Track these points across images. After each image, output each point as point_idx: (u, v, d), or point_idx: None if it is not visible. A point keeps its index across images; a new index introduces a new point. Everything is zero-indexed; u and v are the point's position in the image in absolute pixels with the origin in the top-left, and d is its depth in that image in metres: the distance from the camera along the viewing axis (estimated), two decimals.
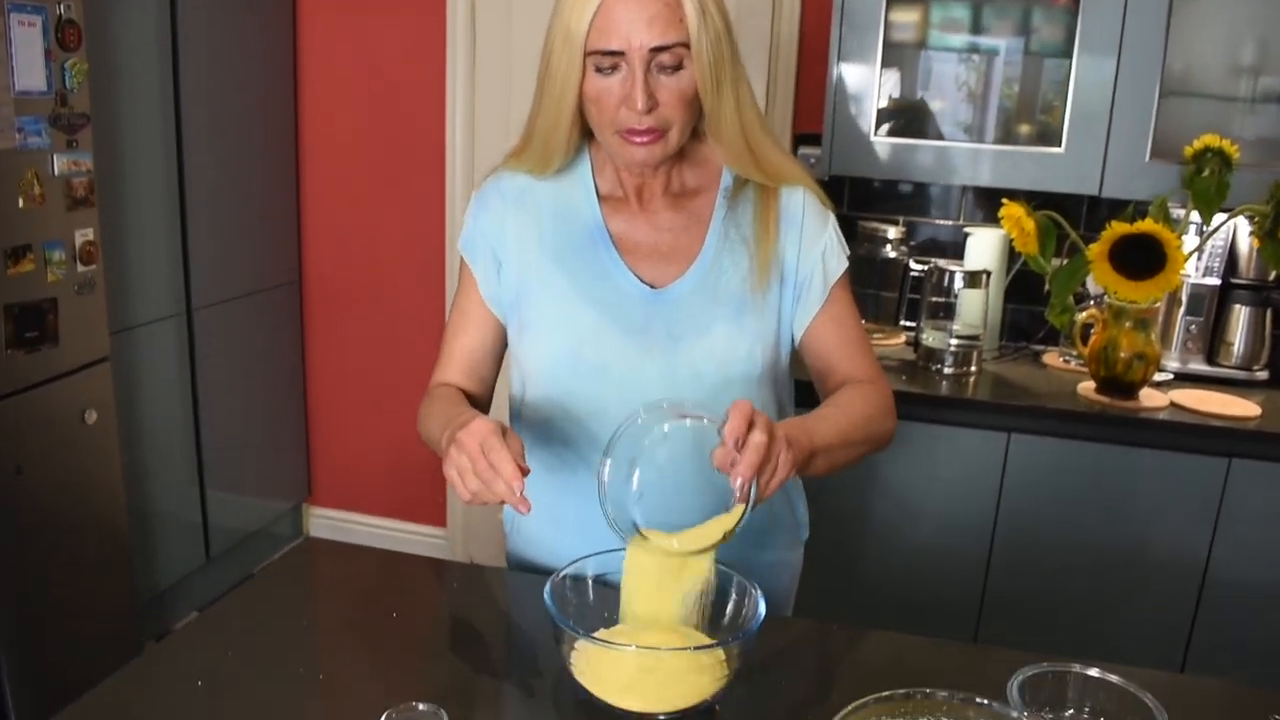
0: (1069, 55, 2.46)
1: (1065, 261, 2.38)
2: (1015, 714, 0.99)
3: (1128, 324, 2.33)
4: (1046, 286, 2.40)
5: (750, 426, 1.11)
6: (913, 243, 2.92)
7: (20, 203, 2.26)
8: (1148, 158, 2.44)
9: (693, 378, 1.36)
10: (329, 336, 3.64)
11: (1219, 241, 2.59)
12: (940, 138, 2.68)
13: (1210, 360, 2.63)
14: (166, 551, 3.07)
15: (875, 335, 2.79)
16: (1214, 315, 2.62)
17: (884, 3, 2.53)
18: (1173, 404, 2.38)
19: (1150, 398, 2.39)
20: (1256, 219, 2.28)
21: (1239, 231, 2.59)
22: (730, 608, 1.21)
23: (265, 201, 3.38)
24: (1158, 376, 2.50)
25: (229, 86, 3.13)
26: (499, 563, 1.60)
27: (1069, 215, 2.36)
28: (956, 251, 2.83)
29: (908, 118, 2.70)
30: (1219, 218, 2.32)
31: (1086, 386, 2.46)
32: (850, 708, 0.98)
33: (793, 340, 1.45)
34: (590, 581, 1.25)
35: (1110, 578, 2.38)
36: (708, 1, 1.26)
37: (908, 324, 2.82)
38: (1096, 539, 2.36)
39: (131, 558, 2.75)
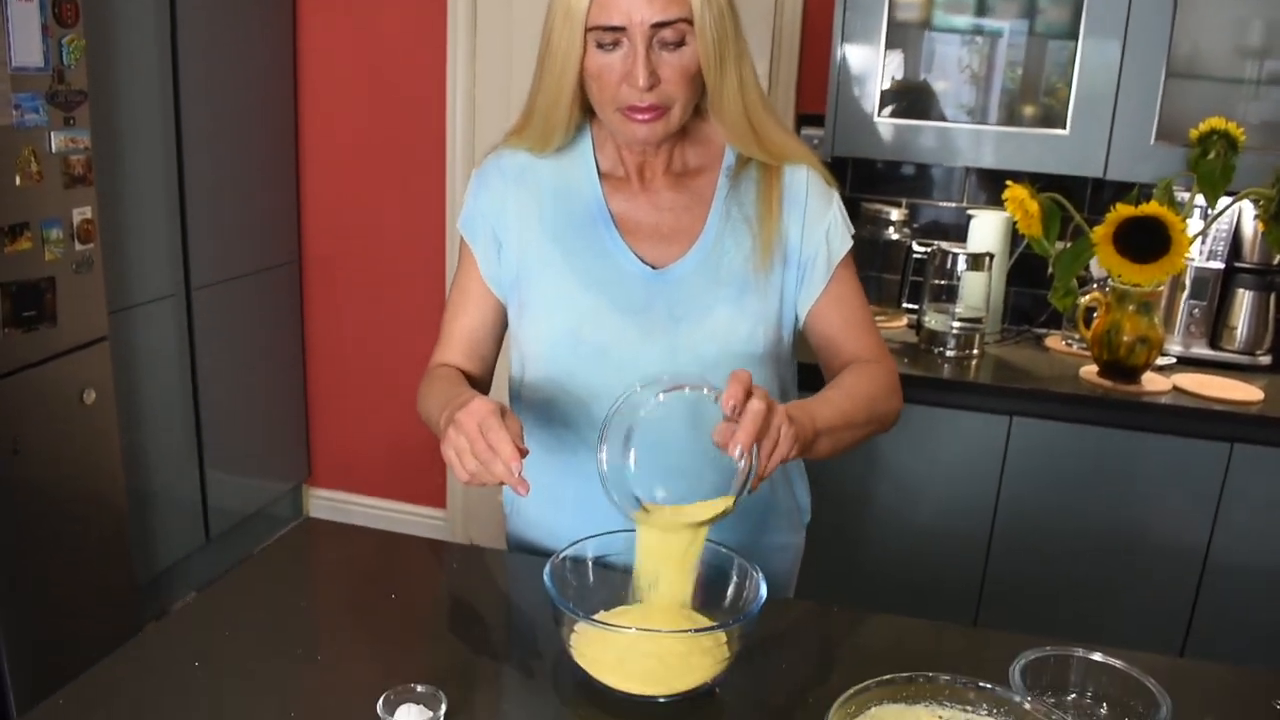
0: (1074, 37, 2.45)
1: (1069, 244, 2.37)
2: (1017, 698, 0.99)
3: (1131, 307, 2.32)
4: (1050, 269, 2.39)
5: (748, 396, 1.10)
6: (915, 225, 2.90)
7: (17, 180, 2.24)
8: (1153, 140, 2.43)
9: (694, 359, 1.34)
10: (329, 316, 3.63)
11: (1223, 225, 2.58)
12: (944, 119, 2.66)
13: (1213, 344, 2.62)
14: (166, 532, 3.07)
15: (877, 318, 2.76)
16: (1217, 299, 2.60)
17: None
18: (1175, 388, 2.37)
19: (1153, 382, 2.38)
20: (1261, 202, 2.27)
21: (1244, 215, 2.57)
22: (731, 590, 1.20)
23: (265, 181, 3.36)
24: (1160, 360, 2.49)
25: (228, 65, 3.11)
26: (499, 544, 1.60)
27: (1073, 198, 2.35)
28: (959, 234, 2.82)
29: (911, 99, 2.68)
30: (1224, 201, 2.30)
31: (1089, 370, 2.45)
32: (851, 691, 0.97)
33: (796, 321, 1.43)
34: (590, 563, 1.24)
35: (1111, 562, 2.37)
36: None
37: (910, 306, 2.81)
38: (1098, 523, 2.36)
39: (131, 538, 2.75)
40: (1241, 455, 2.26)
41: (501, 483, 1.13)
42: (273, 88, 3.34)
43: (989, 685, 1.00)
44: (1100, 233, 2.22)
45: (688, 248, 1.38)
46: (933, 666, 1.05)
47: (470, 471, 1.14)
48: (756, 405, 1.09)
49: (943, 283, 2.58)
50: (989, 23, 2.62)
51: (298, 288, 3.60)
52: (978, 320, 2.55)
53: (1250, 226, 2.56)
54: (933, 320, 2.57)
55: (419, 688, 1.05)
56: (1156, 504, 2.33)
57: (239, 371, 3.33)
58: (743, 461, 1.11)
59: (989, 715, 1.00)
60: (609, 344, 1.36)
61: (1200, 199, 2.31)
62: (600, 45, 1.25)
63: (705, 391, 1.13)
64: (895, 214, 2.82)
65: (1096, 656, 1.11)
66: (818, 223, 1.40)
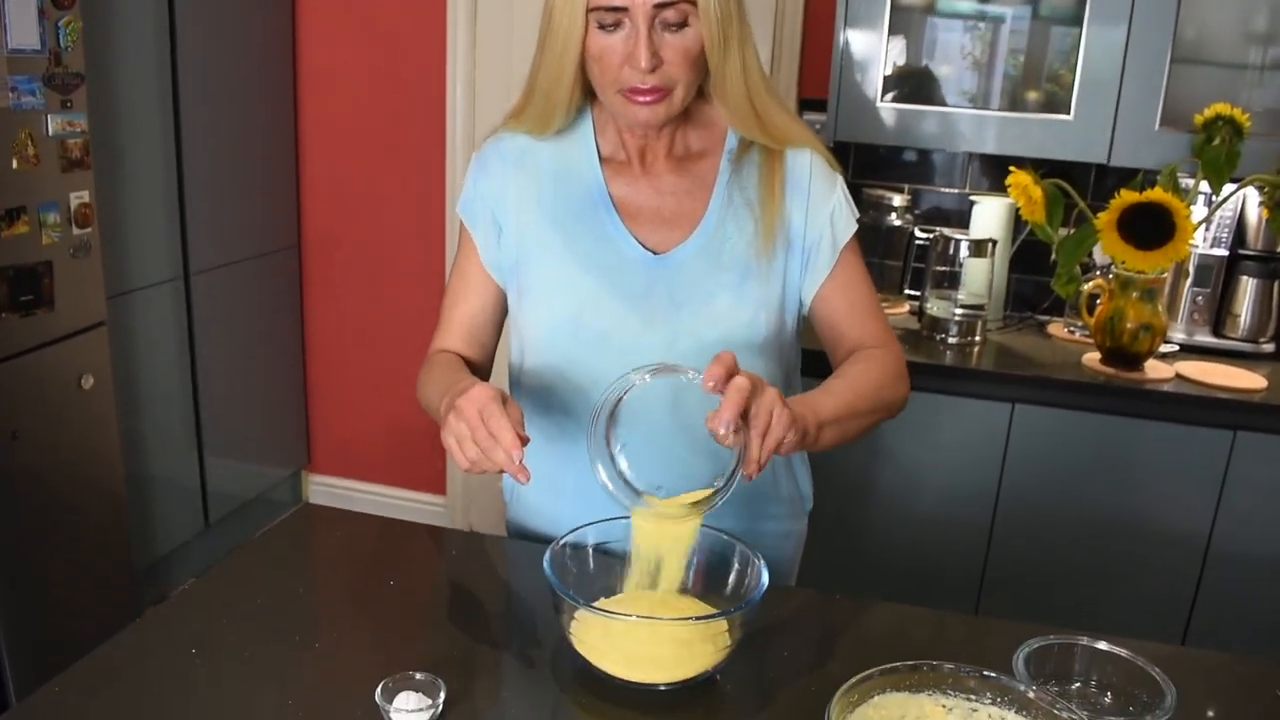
0: (1078, 23, 2.43)
1: (1072, 231, 2.35)
2: (1021, 687, 0.98)
3: (1134, 294, 2.31)
4: (1053, 256, 2.37)
5: (731, 376, 1.08)
6: (917, 211, 2.89)
7: (14, 164, 2.23)
8: (1157, 126, 2.41)
9: (695, 345, 1.33)
10: (328, 301, 3.62)
11: (1227, 212, 2.56)
12: (946, 105, 2.64)
13: (1216, 332, 2.61)
14: (165, 518, 3.06)
15: None
16: (1221, 286, 2.59)
17: None
18: (1178, 376, 2.36)
19: (1155, 369, 2.37)
20: (1266, 189, 2.26)
21: (1248, 202, 2.56)
22: (733, 577, 1.19)
23: (264, 164, 3.35)
24: (1163, 348, 2.48)
25: (227, 47, 3.09)
26: (499, 531, 1.59)
27: (1076, 184, 2.33)
28: (962, 220, 2.81)
29: (913, 84, 2.66)
30: (1228, 188, 2.29)
31: (1091, 357, 2.44)
32: (854, 680, 0.96)
33: (800, 307, 1.42)
34: (590, 550, 1.23)
35: (1113, 549, 2.37)
36: None
37: (912, 293, 2.80)
38: (1100, 511, 2.35)
39: (130, 524, 2.74)
40: (1244, 443, 2.25)
41: (502, 471, 1.12)
42: (272, 71, 3.33)
43: (993, 674, 0.99)
44: (1104, 219, 2.21)
45: (689, 232, 1.37)
46: (935, 655, 1.04)
47: (470, 459, 1.13)
48: (740, 381, 1.08)
49: (945, 269, 2.57)
50: (992, 8, 2.60)
51: (297, 273, 3.59)
52: (980, 307, 2.54)
53: (1254, 213, 2.55)
54: (935, 307, 2.56)
55: (418, 675, 1.04)
56: (1159, 492, 2.32)
57: (238, 357, 3.32)
58: (731, 440, 1.09)
59: (993, 704, 0.99)
60: (609, 330, 1.35)
61: (1204, 185, 2.30)
62: (602, 26, 1.24)
63: (690, 375, 1.12)
64: (897, 200, 2.81)
65: (1101, 645, 1.10)
66: (821, 207, 1.39)
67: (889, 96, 2.60)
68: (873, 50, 2.55)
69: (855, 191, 1.63)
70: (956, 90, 2.66)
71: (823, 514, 1.61)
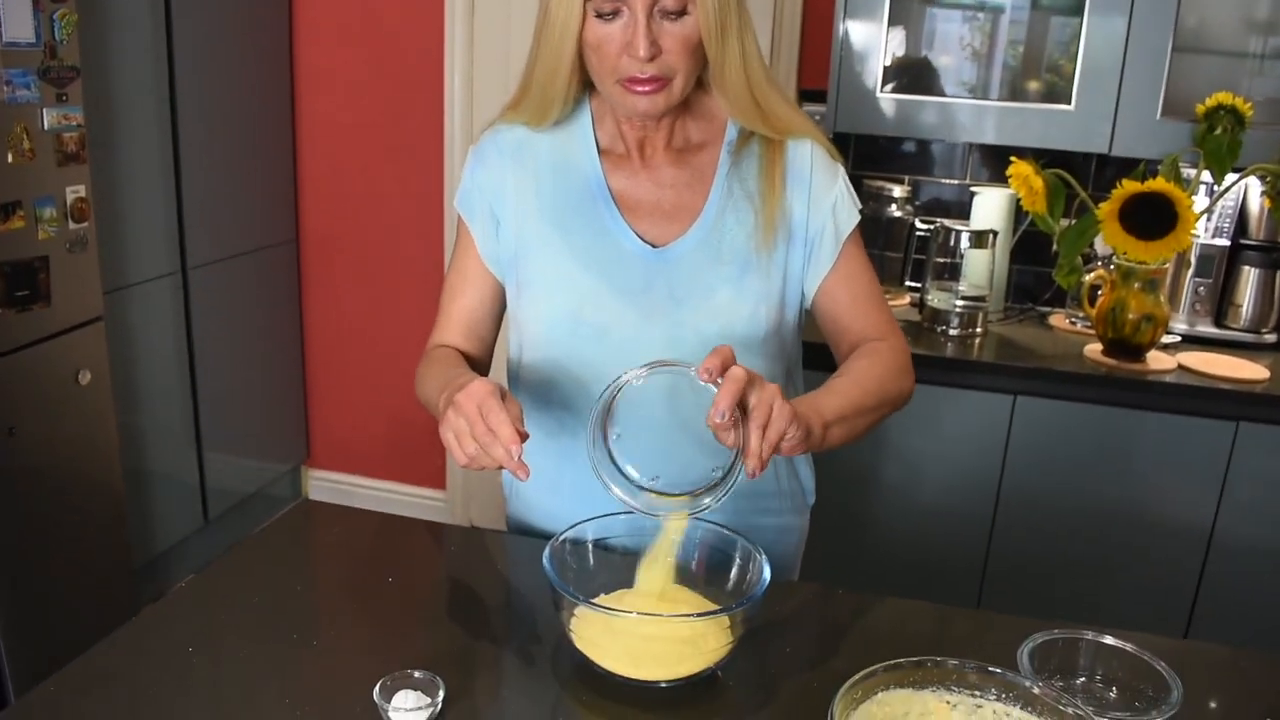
0: (1078, 12, 2.41)
1: (1073, 221, 2.34)
2: (1027, 683, 0.97)
3: (1136, 285, 2.30)
4: (1054, 246, 2.36)
5: (728, 367, 1.08)
6: (918, 202, 2.88)
7: (9, 158, 2.21)
8: (1158, 115, 2.40)
9: (696, 340, 1.32)
10: (327, 296, 3.61)
11: (1229, 201, 2.55)
12: (947, 95, 2.63)
13: (1218, 323, 2.60)
14: (163, 514, 3.05)
15: None
16: (1223, 277, 2.58)
17: None
18: (1180, 367, 2.35)
19: (1157, 360, 2.36)
20: (1268, 179, 2.24)
21: (1250, 192, 2.54)
22: (734, 573, 1.19)
23: (262, 158, 3.33)
24: (1165, 339, 2.46)
25: (224, 39, 3.07)
26: (499, 525, 1.58)
27: (1076, 174, 2.32)
28: (962, 211, 2.79)
29: (913, 75, 2.65)
30: (1230, 177, 2.28)
31: (1093, 348, 2.43)
32: (858, 676, 0.95)
33: (801, 300, 1.41)
34: (590, 546, 1.22)
35: (1115, 542, 2.36)
36: None
37: (912, 285, 2.78)
38: (1102, 503, 2.34)
39: (128, 521, 2.73)
40: (1247, 434, 2.24)
41: (501, 467, 1.11)
42: (269, 64, 3.31)
43: (997, 669, 0.98)
44: (1106, 209, 2.20)
45: (688, 225, 1.36)
46: (938, 649, 1.03)
47: (469, 455, 1.12)
48: (736, 370, 1.08)
49: (946, 260, 2.56)
50: None
51: (296, 267, 3.58)
52: (981, 298, 2.53)
53: (1256, 203, 2.54)
54: (936, 298, 2.54)
55: (416, 674, 1.03)
56: (1161, 483, 2.31)
57: (237, 351, 3.31)
58: (732, 439, 1.09)
59: (997, 700, 0.98)
60: (609, 325, 1.34)
61: (1206, 175, 2.28)
62: (600, 15, 1.22)
63: (691, 371, 1.11)
64: (898, 191, 2.79)
65: (1106, 640, 1.09)
66: (823, 198, 1.37)
67: (889, 87, 2.58)
68: (872, 41, 2.54)
69: (855, 183, 1.62)
70: (956, 81, 2.65)
71: (825, 508, 1.60)
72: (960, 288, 2.52)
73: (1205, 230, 2.56)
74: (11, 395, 2.30)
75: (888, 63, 2.56)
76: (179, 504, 3.14)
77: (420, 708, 0.99)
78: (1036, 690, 0.96)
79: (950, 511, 2.44)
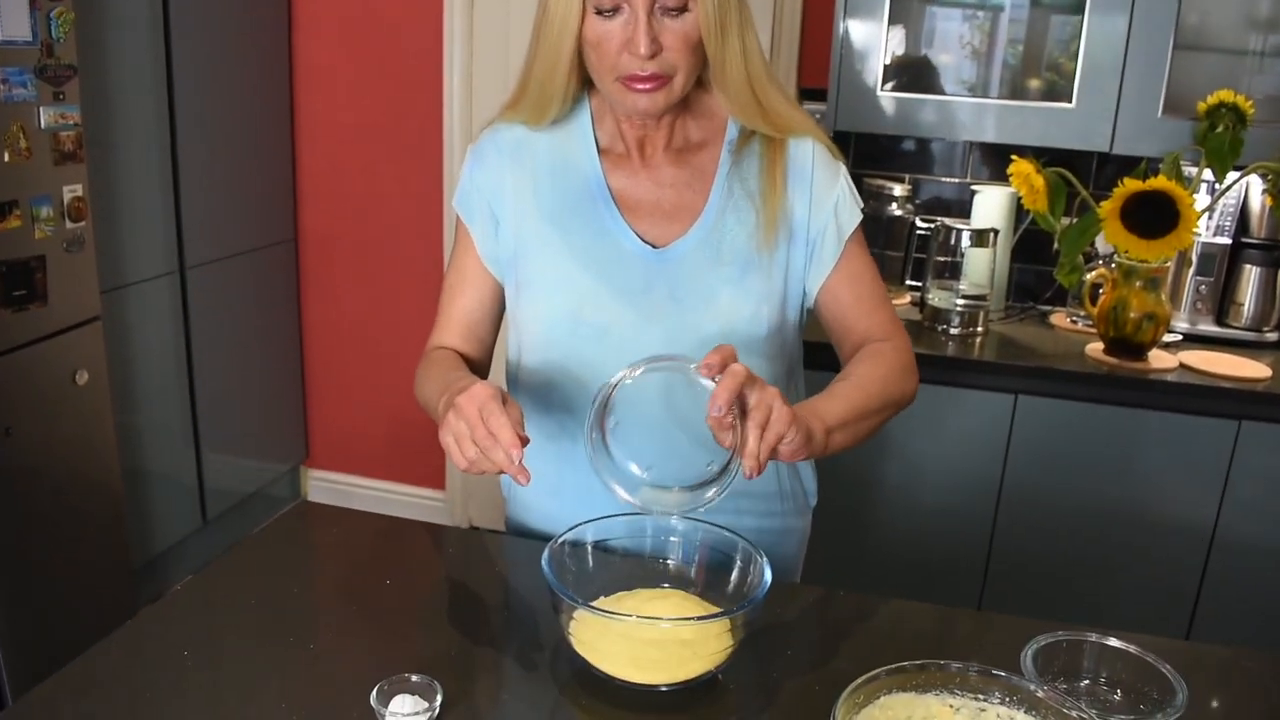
0: (1079, 10, 2.40)
1: (1074, 220, 2.33)
2: (1031, 686, 0.96)
3: (1138, 284, 2.29)
4: (1055, 245, 2.35)
5: (728, 364, 1.09)
6: (918, 201, 2.87)
7: (6, 157, 2.20)
8: (1160, 113, 2.39)
9: (696, 341, 1.30)
10: (326, 295, 3.60)
11: (1230, 200, 2.54)
12: (947, 93, 2.62)
13: (1220, 321, 2.59)
14: (162, 515, 3.04)
15: None
16: (1224, 275, 2.57)
17: None
18: (1182, 365, 2.34)
19: (1159, 359, 2.35)
20: (1270, 177, 2.23)
21: (1251, 190, 2.54)
22: (735, 576, 1.18)
23: (260, 157, 3.32)
24: (1166, 337, 2.46)
25: (222, 38, 3.06)
26: (499, 525, 1.57)
27: (1078, 172, 2.31)
28: (963, 210, 2.78)
29: (913, 73, 2.64)
30: (1231, 175, 2.27)
31: (1094, 347, 2.42)
32: (861, 680, 0.95)
33: (803, 300, 1.40)
34: (590, 548, 1.21)
35: (1117, 541, 2.35)
36: None
37: (913, 284, 2.77)
38: (1103, 502, 2.34)
39: (127, 521, 2.72)
40: (1249, 433, 2.24)
41: (501, 471, 1.10)
42: (268, 62, 3.30)
43: (1001, 673, 0.97)
44: (1107, 208, 2.19)
45: (689, 226, 1.35)
46: (941, 652, 1.03)
47: (469, 459, 1.11)
48: (736, 366, 1.08)
49: (946, 259, 2.55)
50: None
51: (294, 266, 3.57)
52: (982, 297, 2.52)
53: (1258, 201, 2.53)
54: (936, 297, 2.53)
55: (413, 678, 1.02)
56: (1163, 482, 2.31)
57: (235, 351, 3.30)
58: (729, 440, 1.08)
59: (1001, 704, 0.97)
60: (609, 326, 1.33)
61: (1207, 173, 2.28)
62: (600, 12, 1.21)
63: (690, 367, 1.10)
64: (898, 190, 2.79)
65: (1110, 641, 1.08)
66: (825, 197, 1.36)
67: (889, 85, 2.57)
68: (872, 39, 2.53)
69: (856, 181, 1.61)
70: (956, 79, 2.64)
71: (827, 509, 1.59)
72: (961, 287, 2.51)
73: (1207, 228, 2.55)
74: (8, 395, 2.29)
75: (888, 61, 2.56)
76: (177, 504, 3.13)
77: (417, 713, 0.98)
78: (1041, 693, 0.96)
79: (952, 511, 2.43)
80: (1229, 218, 2.55)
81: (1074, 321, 2.65)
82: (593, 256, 1.34)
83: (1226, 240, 2.55)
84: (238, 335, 3.30)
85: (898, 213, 2.78)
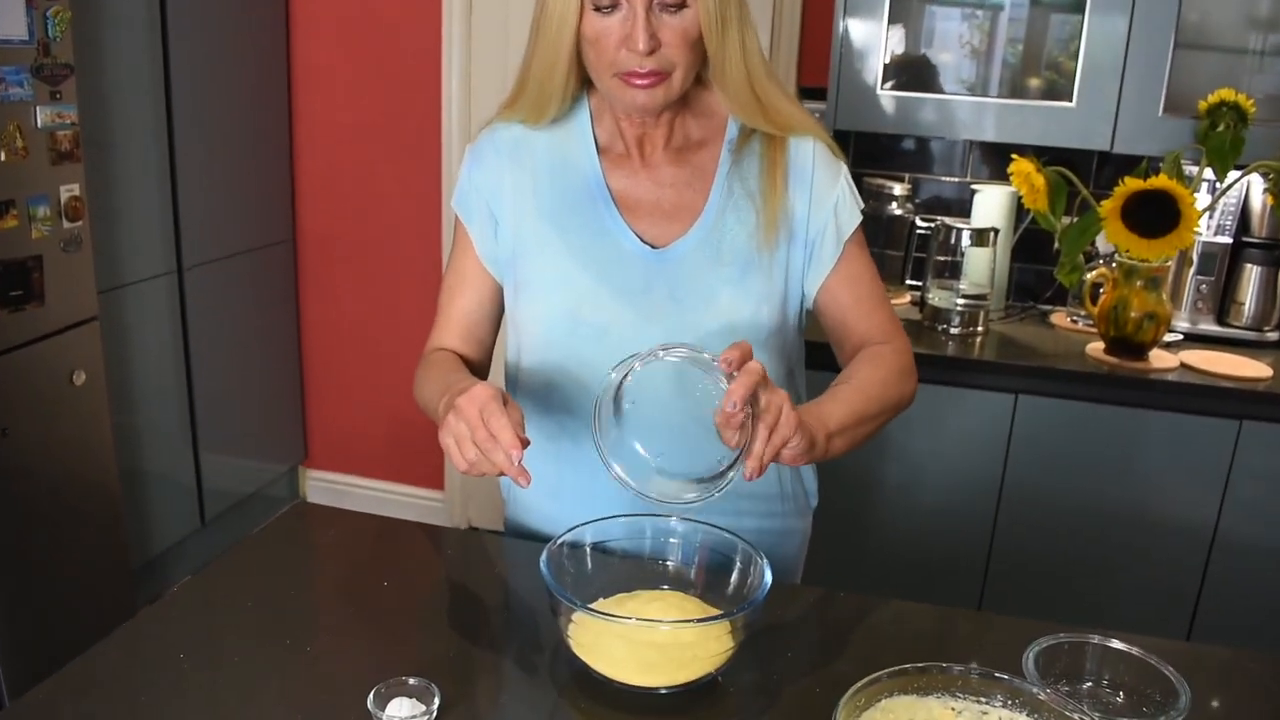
0: (1079, 9, 2.40)
1: (1075, 219, 2.33)
2: (1033, 689, 0.96)
3: (1138, 283, 2.29)
4: (1056, 244, 2.35)
5: (746, 360, 1.08)
6: (918, 200, 2.86)
7: (2, 156, 2.20)
8: (1160, 112, 2.39)
9: (697, 341, 1.29)
10: (324, 295, 3.59)
11: (1231, 199, 2.54)
12: (947, 92, 2.61)
13: (1220, 320, 2.58)
14: (160, 515, 3.03)
15: None
16: (1225, 274, 2.57)
17: None
18: (1182, 365, 2.34)
19: (1159, 358, 2.35)
20: (1271, 176, 2.23)
21: (1252, 189, 2.53)
22: (735, 577, 1.17)
23: (258, 157, 3.31)
24: (1167, 337, 2.45)
25: (220, 38, 3.05)
26: (498, 525, 1.57)
27: (1078, 171, 2.31)
28: (963, 209, 2.78)
29: (913, 72, 2.63)
30: (1232, 174, 2.26)
31: (1095, 347, 2.42)
32: (862, 682, 0.94)
33: (803, 300, 1.39)
34: (589, 549, 1.21)
35: (1118, 541, 2.35)
36: None
37: (913, 283, 2.77)
38: (1104, 502, 2.33)
39: (125, 522, 2.71)
40: (1249, 432, 2.23)
41: (501, 473, 1.09)
42: (266, 62, 3.29)
43: (1003, 675, 0.97)
44: (1107, 207, 2.18)
45: (689, 225, 1.34)
46: (943, 654, 1.02)
47: (469, 460, 1.10)
48: (755, 365, 1.07)
49: (946, 259, 2.55)
50: None
51: (292, 266, 3.56)
52: (982, 297, 2.51)
53: (1259, 200, 2.52)
54: (936, 297, 2.53)
55: (411, 680, 1.01)
56: (1163, 482, 2.30)
57: (233, 352, 3.29)
58: (736, 440, 1.07)
59: (1003, 707, 0.97)
60: (608, 326, 1.32)
61: (1208, 172, 2.27)
62: (598, 8, 1.20)
63: (705, 356, 1.10)
64: (898, 189, 2.78)
65: (1113, 644, 1.08)
66: (825, 197, 1.36)
67: (889, 84, 2.57)
68: (872, 38, 2.52)
69: (855, 180, 1.61)
70: (956, 78, 2.63)
71: (827, 509, 1.58)
72: (961, 286, 2.50)
73: (1208, 228, 2.54)
74: (6, 396, 2.28)
75: (887, 60, 2.55)
76: (176, 505, 3.12)
77: (415, 716, 0.98)
78: (1043, 696, 0.95)
79: (952, 511, 2.42)
80: (1230, 217, 2.54)
81: (1074, 321, 2.64)
82: (592, 256, 1.33)
83: (1227, 239, 2.55)
84: (236, 335, 3.30)
85: (898, 212, 2.77)
